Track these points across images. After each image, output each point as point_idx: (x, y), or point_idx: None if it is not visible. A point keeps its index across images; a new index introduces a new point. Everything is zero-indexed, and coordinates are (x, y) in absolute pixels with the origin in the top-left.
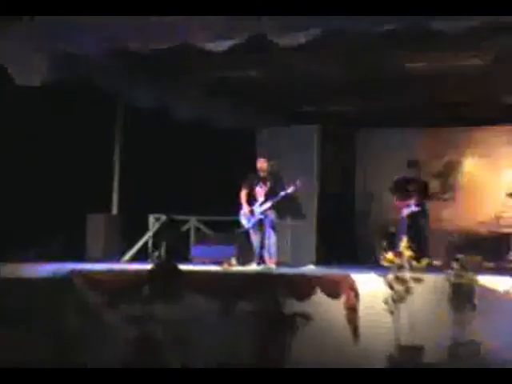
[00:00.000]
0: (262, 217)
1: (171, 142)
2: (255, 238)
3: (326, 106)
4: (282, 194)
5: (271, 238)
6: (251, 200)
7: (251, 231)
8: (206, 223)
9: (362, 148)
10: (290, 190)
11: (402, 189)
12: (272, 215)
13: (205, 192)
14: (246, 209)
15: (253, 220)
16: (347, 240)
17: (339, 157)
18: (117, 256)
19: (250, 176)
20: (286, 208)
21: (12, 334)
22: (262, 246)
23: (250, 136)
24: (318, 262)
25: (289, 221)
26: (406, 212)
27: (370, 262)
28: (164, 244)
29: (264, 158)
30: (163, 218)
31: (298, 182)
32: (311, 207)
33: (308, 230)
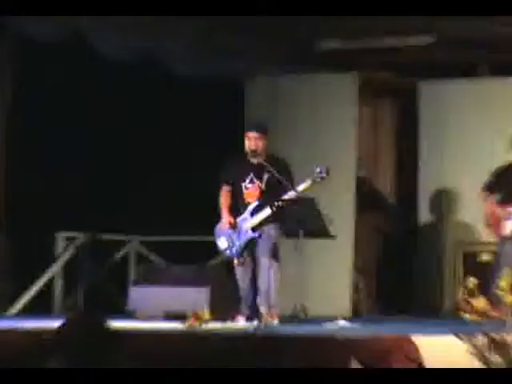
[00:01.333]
0: (254, 235)
1: (94, 103)
2: (243, 274)
3: (367, 39)
4: (291, 193)
5: (271, 274)
6: (236, 205)
7: (236, 261)
8: (155, 247)
9: (431, 113)
10: (302, 185)
11: (505, 186)
12: (272, 231)
13: (153, 194)
14: (226, 221)
15: (239, 241)
16: (405, 274)
17: (392, 129)
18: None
19: (233, 163)
20: (297, 219)
21: None
22: (254, 288)
23: (233, 92)
24: (354, 315)
25: (302, 241)
26: (510, 227)
27: (443, 312)
28: (83, 284)
29: (258, 130)
30: (81, 238)
31: (317, 171)
32: (344, 218)
33: (338, 257)
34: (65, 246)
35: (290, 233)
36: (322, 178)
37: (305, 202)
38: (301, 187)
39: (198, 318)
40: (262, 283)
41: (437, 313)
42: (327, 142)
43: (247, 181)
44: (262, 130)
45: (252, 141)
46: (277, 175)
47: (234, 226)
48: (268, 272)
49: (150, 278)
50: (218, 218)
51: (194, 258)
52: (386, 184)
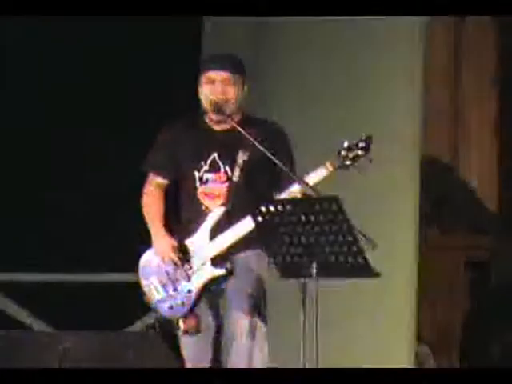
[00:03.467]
0: (219, 272)
1: None
2: (196, 349)
3: None
4: (294, 189)
5: (253, 346)
6: (182, 214)
7: (182, 324)
8: (23, 296)
9: None
10: (316, 174)
11: None
12: (255, 265)
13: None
14: (162, 245)
15: (188, 286)
16: None
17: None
18: None
19: (175, 132)
20: (305, 241)
21: None
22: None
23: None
24: None
25: (314, 285)
26: None
27: None
28: None
29: (227, 67)
30: None
31: (345, 145)
32: (399, 238)
33: (386, 312)
34: None
35: (289, 268)
36: (354, 160)
37: (321, 207)
38: (313, 177)
39: None
40: (235, 365)
41: None
42: (365, 95)
43: (205, 166)
44: (236, 67)
45: (216, 87)
46: (265, 153)
47: (177, 257)
48: (247, 343)
49: (18, 354)
50: (145, 240)
51: (101, 318)
52: (481, 175)
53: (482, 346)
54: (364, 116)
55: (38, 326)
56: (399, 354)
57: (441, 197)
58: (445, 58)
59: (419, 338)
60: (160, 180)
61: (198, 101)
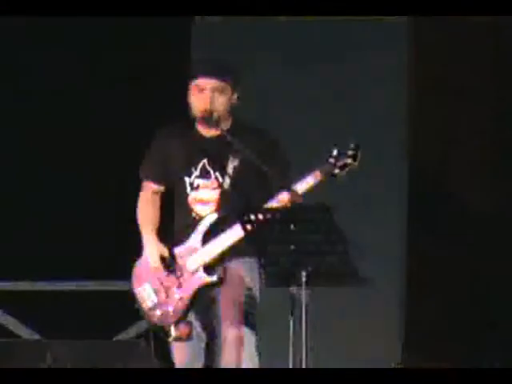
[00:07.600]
0: (210, 281)
1: None
2: (187, 356)
3: None
4: (283, 196)
5: (243, 355)
6: (174, 221)
7: (174, 332)
8: (14, 305)
9: None
10: (306, 181)
11: None
12: (245, 273)
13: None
14: (153, 254)
15: (179, 293)
16: None
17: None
18: None
19: (166, 140)
20: (294, 249)
21: None
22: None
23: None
24: None
25: (305, 293)
26: None
27: None
28: None
29: (215, 74)
30: None
31: (335, 153)
32: (387, 246)
33: (374, 320)
34: None
35: (279, 277)
36: (344, 168)
37: (311, 216)
38: (302, 185)
39: None
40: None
41: None
42: (353, 100)
43: (196, 172)
44: (225, 73)
45: (205, 95)
46: (254, 161)
47: (168, 264)
48: (236, 351)
49: (6, 362)
50: (136, 249)
51: (91, 326)
52: (472, 181)
53: (470, 348)
54: (353, 122)
55: (26, 334)
56: (387, 356)
57: (430, 202)
58: (436, 61)
59: (407, 341)
60: (155, 186)
61: (187, 104)
